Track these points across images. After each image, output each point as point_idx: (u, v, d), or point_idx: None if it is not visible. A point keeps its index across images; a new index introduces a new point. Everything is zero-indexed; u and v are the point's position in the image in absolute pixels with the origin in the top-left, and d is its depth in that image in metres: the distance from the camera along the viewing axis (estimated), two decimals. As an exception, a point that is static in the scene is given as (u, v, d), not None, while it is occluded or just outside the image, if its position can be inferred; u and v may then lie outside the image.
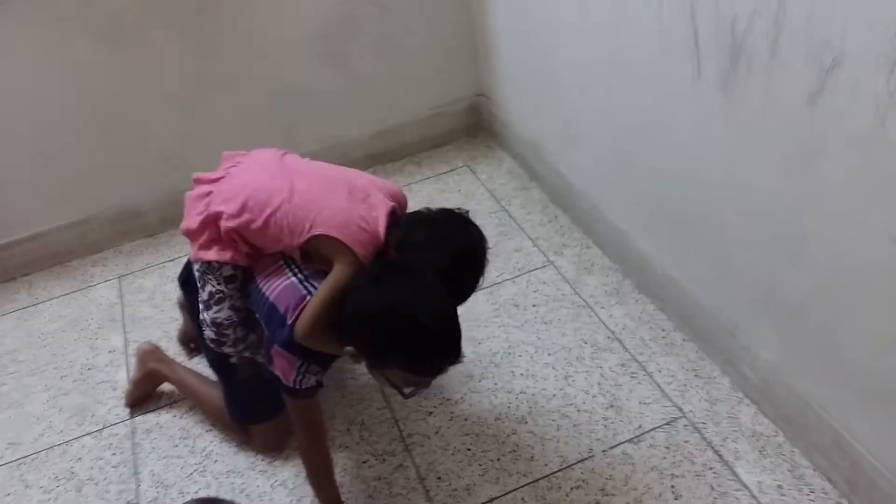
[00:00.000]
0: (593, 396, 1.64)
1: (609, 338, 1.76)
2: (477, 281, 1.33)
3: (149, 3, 1.98)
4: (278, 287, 1.33)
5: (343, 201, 1.31)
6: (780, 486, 1.41)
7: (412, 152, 2.50)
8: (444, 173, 2.42)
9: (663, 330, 1.76)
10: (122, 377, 1.85)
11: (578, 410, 1.61)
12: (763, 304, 1.45)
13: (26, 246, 2.19)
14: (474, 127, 2.55)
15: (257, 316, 1.41)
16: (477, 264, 1.32)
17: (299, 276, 1.33)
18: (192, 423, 1.71)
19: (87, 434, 1.72)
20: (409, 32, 2.29)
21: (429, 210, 1.36)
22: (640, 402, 1.61)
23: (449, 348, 1.19)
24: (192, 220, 1.38)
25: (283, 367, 1.30)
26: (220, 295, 1.40)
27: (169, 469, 1.62)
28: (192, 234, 1.39)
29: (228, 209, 1.34)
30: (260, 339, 1.45)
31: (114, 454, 1.67)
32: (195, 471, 1.60)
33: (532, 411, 1.62)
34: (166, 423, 1.72)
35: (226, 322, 1.41)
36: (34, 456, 1.69)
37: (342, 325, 1.23)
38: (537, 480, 1.49)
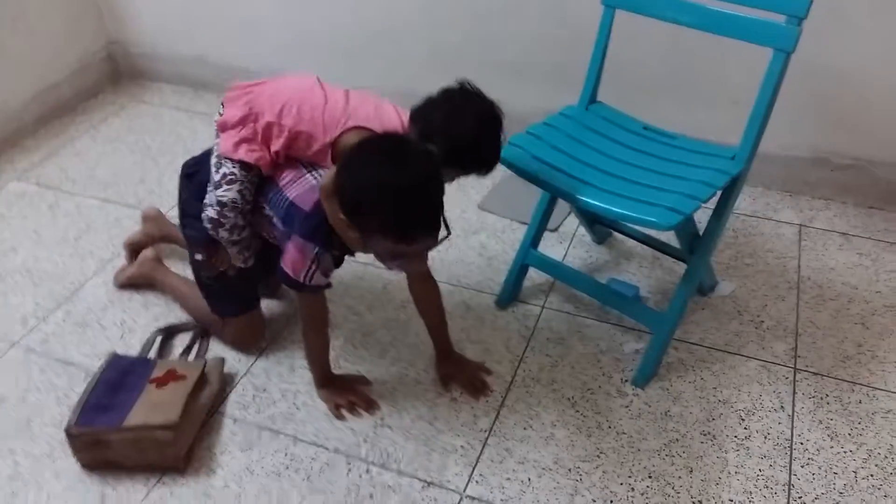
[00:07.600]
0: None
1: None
2: (500, 140, 1.42)
3: None
4: (299, 188, 1.43)
5: (371, 107, 1.46)
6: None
7: (73, 106, 2.67)
8: (108, 118, 2.66)
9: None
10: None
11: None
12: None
13: None
14: (116, 72, 2.85)
15: (273, 220, 1.49)
16: (495, 125, 1.41)
17: (319, 179, 1.41)
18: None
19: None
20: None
21: (437, 93, 1.43)
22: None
23: (422, 214, 1.23)
24: (230, 114, 1.47)
25: (295, 259, 1.39)
26: (233, 177, 1.46)
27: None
28: (227, 127, 1.47)
29: (269, 106, 1.45)
30: (252, 239, 1.56)
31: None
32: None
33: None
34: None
35: (230, 203, 1.47)
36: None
37: (338, 199, 1.30)
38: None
